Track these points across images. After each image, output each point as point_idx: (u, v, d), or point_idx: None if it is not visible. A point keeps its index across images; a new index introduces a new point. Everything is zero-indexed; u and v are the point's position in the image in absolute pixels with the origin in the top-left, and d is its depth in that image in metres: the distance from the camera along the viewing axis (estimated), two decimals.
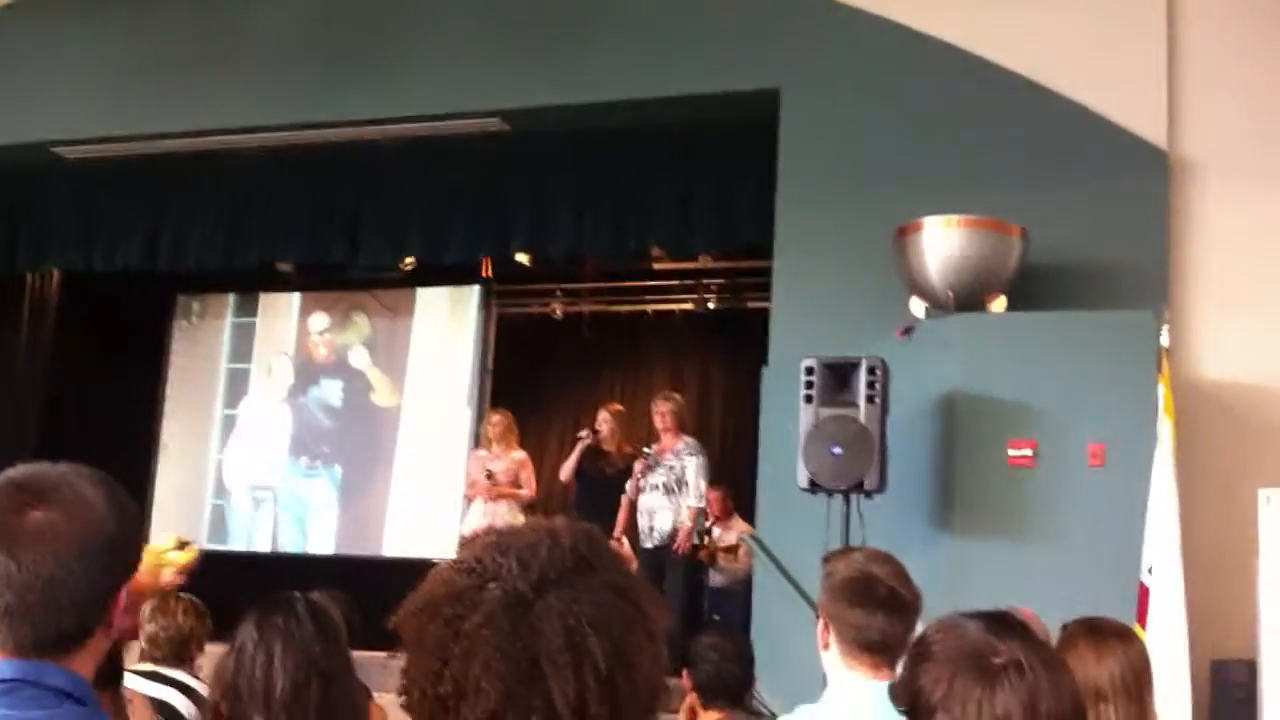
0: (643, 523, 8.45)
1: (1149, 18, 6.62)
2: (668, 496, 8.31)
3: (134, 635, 3.67)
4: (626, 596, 1.20)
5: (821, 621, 2.83)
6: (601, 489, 8.83)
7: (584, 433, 9.05)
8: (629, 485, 8.60)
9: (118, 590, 1.65)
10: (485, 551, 1.22)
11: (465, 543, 1.29)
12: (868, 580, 2.78)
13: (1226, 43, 6.59)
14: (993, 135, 6.75)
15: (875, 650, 2.75)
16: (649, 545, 8.35)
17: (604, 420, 9.01)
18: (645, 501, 8.47)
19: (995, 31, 6.83)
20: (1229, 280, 6.36)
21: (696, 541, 8.40)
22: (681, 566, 8.30)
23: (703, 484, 8.34)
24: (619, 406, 9.41)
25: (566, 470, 9.02)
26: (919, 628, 2.63)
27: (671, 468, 8.37)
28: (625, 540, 9.50)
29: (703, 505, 8.36)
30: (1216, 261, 6.39)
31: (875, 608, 2.74)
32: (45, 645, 1.58)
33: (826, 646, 2.82)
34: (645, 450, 9.04)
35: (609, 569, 1.21)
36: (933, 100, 6.90)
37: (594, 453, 8.96)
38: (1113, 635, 3.00)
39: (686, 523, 8.23)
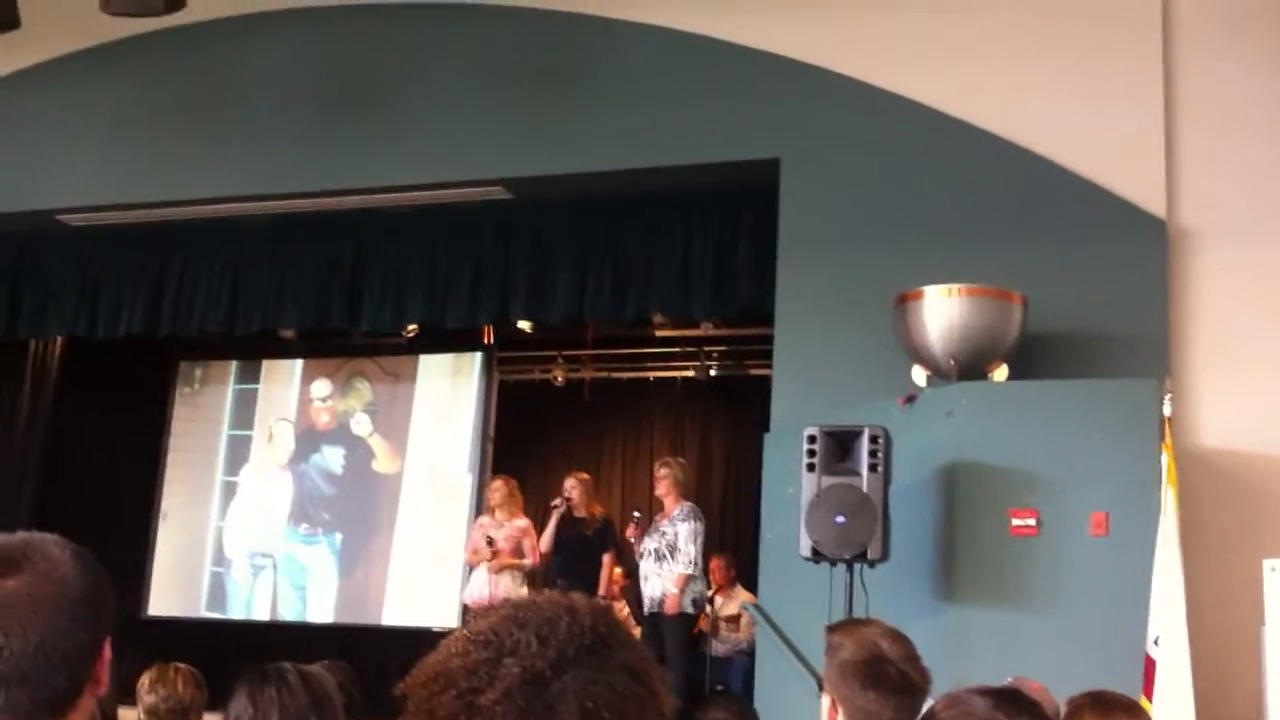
0: (643, 590, 8.46)
1: (1147, 88, 6.67)
2: (659, 563, 8.31)
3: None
4: (641, 679, 1.19)
5: (829, 699, 2.78)
6: (582, 553, 8.94)
7: (556, 501, 9.09)
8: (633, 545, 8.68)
9: (101, 645, 1.66)
10: (502, 624, 1.20)
11: (479, 614, 1.26)
12: (878, 662, 2.72)
13: (1224, 112, 6.64)
14: (992, 204, 6.78)
15: None
16: (647, 612, 8.35)
17: (571, 487, 9.08)
18: (641, 568, 8.48)
19: (993, 102, 6.89)
20: (1230, 349, 6.37)
21: (692, 610, 8.34)
22: (681, 634, 8.26)
23: (692, 550, 8.28)
24: (585, 475, 9.48)
25: (546, 541, 9.04)
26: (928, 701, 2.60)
27: (664, 534, 8.37)
28: (626, 603, 9.51)
29: (691, 571, 8.27)
30: (1217, 330, 6.40)
31: (888, 693, 2.68)
32: (42, 710, 1.58)
33: None
34: (635, 514, 9.08)
35: (625, 649, 1.20)
36: (932, 169, 6.95)
37: (569, 520, 8.97)
38: (1119, 709, 2.97)
39: (672, 589, 8.18)
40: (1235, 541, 5.91)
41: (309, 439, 11.57)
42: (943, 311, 6.07)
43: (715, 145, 7.41)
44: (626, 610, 9.78)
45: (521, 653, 1.16)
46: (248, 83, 8.47)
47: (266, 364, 11.86)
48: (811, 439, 5.68)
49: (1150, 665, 5.02)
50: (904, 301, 6.21)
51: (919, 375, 6.28)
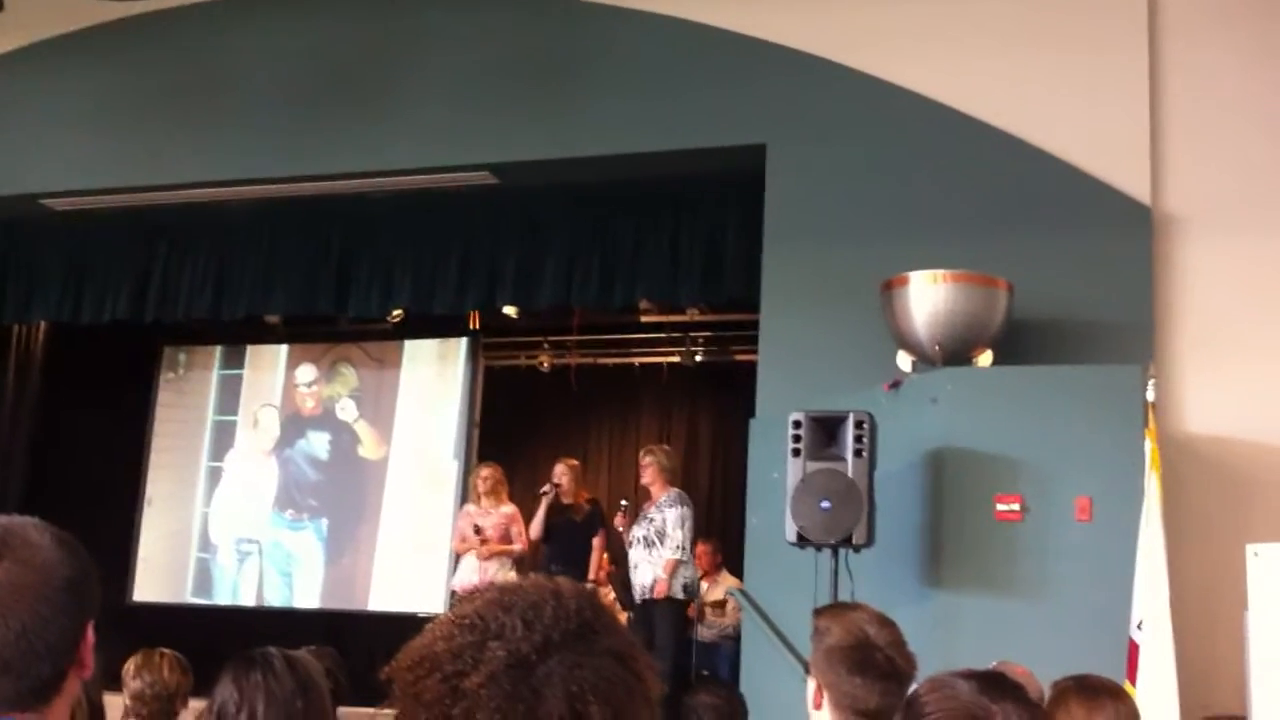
0: (632, 578, 8.47)
1: (1132, 75, 6.68)
2: (648, 550, 8.30)
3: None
4: (627, 664, 1.19)
5: (815, 683, 2.78)
6: (572, 538, 8.96)
7: (546, 488, 9.08)
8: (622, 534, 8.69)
9: (84, 629, 1.65)
10: (488, 608, 1.20)
11: (465, 598, 1.25)
12: (865, 648, 2.70)
13: (1208, 99, 6.65)
14: (978, 190, 6.79)
15: (870, 716, 2.70)
16: (639, 599, 8.35)
17: (561, 473, 9.07)
18: (631, 556, 8.48)
19: (981, 88, 6.89)
20: (1213, 335, 6.39)
21: (682, 595, 8.34)
22: (672, 620, 8.26)
23: (680, 535, 8.27)
24: (574, 461, 9.49)
25: (536, 528, 9.02)
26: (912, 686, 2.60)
27: (652, 520, 8.37)
28: (612, 588, 9.51)
29: (680, 557, 8.26)
30: (1201, 316, 6.42)
31: (874, 679, 2.67)
32: (27, 698, 1.57)
33: (819, 707, 2.76)
34: (623, 503, 9.08)
35: (611, 634, 1.20)
36: (918, 155, 6.95)
37: (558, 506, 8.99)
38: (1104, 692, 2.99)
39: (661, 575, 8.18)
40: (1219, 526, 5.94)
41: (294, 424, 11.55)
42: (928, 297, 6.08)
43: (702, 131, 7.40)
44: (612, 595, 9.80)
45: (507, 636, 1.16)
46: (234, 67, 8.44)
47: (251, 349, 11.82)
48: (797, 424, 5.69)
49: (1134, 650, 5.04)
50: (889, 287, 6.21)
51: (904, 361, 6.29)
